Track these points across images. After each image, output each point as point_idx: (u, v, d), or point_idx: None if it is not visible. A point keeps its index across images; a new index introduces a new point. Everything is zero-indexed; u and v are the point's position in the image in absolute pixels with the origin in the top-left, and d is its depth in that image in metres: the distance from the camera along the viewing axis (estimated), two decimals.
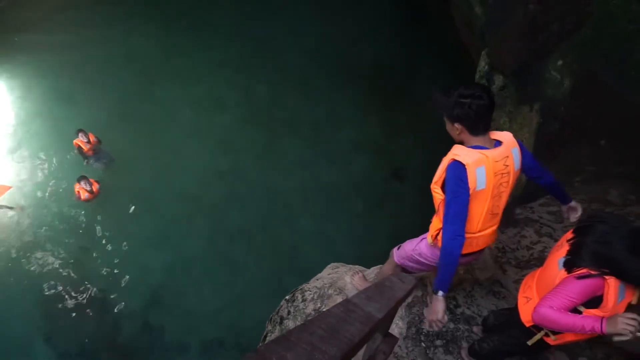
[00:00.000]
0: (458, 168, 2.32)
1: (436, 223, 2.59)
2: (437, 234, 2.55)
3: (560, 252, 2.22)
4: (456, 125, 2.41)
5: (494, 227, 2.59)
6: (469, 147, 2.38)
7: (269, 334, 3.89)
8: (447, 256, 2.29)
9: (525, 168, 2.57)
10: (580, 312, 2.05)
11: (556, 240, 3.17)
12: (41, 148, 9.24)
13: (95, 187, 8.41)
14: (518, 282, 3.62)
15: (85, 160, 8.92)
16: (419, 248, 2.87)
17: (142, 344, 7.45)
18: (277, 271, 7.91)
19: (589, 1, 5.63)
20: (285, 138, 9.55)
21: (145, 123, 9.65)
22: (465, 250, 2.45)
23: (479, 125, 2.35)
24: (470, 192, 2.29)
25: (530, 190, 5.12)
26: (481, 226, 2.49)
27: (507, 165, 2.37)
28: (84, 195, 8.31)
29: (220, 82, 10.32)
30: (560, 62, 5.85)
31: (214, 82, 10.30)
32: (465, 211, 2.29)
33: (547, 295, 2.09)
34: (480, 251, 2.73)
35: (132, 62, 10.43)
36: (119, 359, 7.34)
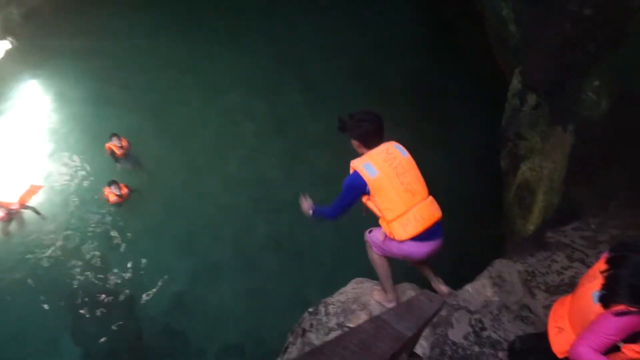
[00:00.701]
0: (352, 176, 3.03)
1: (381, 223, 3.12)
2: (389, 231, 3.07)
3: (593, 284, 2.15)
4: (354, 141, 3.14)
5: (425, 201, 3.07)
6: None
7: (290, 345, 3.88)
8: (328, 218, 3.32)
9: None
10: (619, 348, 1.98)
11: (588, 267, 3.08)
12: (74, 150, 9.61)
13: (125, 191, 8.63)
14: (547, 307, 3.51)
15: (118, 164, 9.21)
16: (377, 241, 3.30)
17: (163, 348, 7.55)
18: (300, 282, 7.91)
19: (626, 21, 5.51)
20: (312, 149, 9.61)
21: (175, 129, 9.93)
22: (416, 230, 2.98)
23: (372, 141, 3.06)
24: (371, 183, 2.92)
25: (563, 214, 4.99)
26: (406, 203, 2.97)
27: (390, 153, 2.98)
28: (113, 198, 8.55)
29: (250, 91, 10.53)
30: (596, 83, 5.72)
31: (244, 91, 10.52)
32: (348, 200, 3.09)
33: (585, 333, 2.03)
34: (440, 238, 3.15)
35: (164, 70, 10.78)
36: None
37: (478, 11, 10.79)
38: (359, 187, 2.98)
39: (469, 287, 3.86)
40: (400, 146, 3.11)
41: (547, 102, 6.60)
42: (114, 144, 9.00)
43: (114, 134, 9.03)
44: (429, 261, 3.48)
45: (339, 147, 9.44)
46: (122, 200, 8.66)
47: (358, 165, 2.97)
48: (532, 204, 6.55)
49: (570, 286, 3.78)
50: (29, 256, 8.29)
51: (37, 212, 8.63)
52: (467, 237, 8.14)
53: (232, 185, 9.12)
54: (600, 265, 2.17)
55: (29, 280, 8.02)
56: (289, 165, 9.40)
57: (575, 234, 4.48)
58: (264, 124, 10.01)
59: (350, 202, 3.09)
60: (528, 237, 5.91)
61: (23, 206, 8.55)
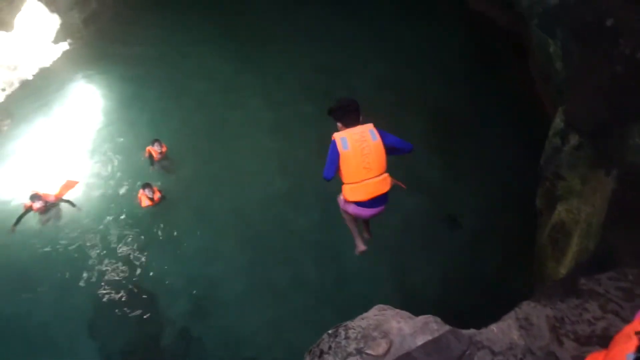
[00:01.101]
0: (331, 143, 3.83)
1: (343, 187, 4.05)
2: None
3: (628, 345, 2.06)
4: (338, 123, 3.95)
5: (377, 178, 3.89)
6: None
7: None
8: (325, 177, 3.91)
9: (388, 146, 3.96)
10: None
11: (622, 319, 2.95)
12: (115, 149, 10.03)
13: (157, 195, 8.89)
14: (576, 358, 3.38)
15: (152, 167, 9.51)
16: (340, 201, 4.34)
17: (180, 352, 7.62)
18: (320, 303, 7.85)
19: None
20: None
21: (210, 138, 10.20)
22: (361, 198, 3.97)
23: (349, 121, 3.89)
24: (341, 153, 3.76)
25: (598, 260, 4.81)
26: (361, 176, 3.83)
27: (363, 135, 3.79)
28: (145, 202, 8.83)
29: (288, 107, 10.72)
30: None
31: (282, 107, 10.71)
32: (332, 164, 3.83)
33: None
34: (382, 206, 4.17)
35: (209, 80, 11.15)
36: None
37: (524, 45, 10.70)
38: (335, 153, 3.79)
39: (493, 327, 3.76)
40: (374, 131, 3.88)
41: (590, 143, 6.41)
42: (154, 149, 9.33)
43: (157, 140, 9.37)
44: (369, 221, 4.90)
45: None
46: (154, 204, 8.91)
47: (337, 137, 3.82)
48: (566, 247, 6.34)
49: (601, 338, 3.63)
50: (59, 247, 8.61)
51: (73, 205, 8.99)
52: (494, 273, 7.95)
53: (259, 197, 9.23)
54: (636, 325, 2.09)
55: (58, 271, 8.31)
56: (319, 182, 9.37)
57: (611, 283, 4.30)
58: (298, 139, 10.11)
59: (330, 162, 3.85)
60: (559, 281, 5.71)
61: (59, 199, 8.93)
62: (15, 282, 8.13)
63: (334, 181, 4.01)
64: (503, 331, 3.71)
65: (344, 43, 11.79)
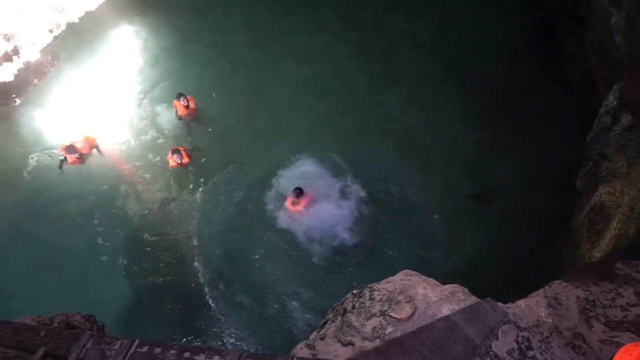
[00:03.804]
0: None
1: None
2: None
3: None
4: None
5: None
6: None
7: (329, 322, 3.96)
8: None
9: None
10: None
11: None
12: (154, 100, 10.17)
13: (185, 160, 8.99)
14: (605, 342, 3.33)
15: (184, 125, 9.62)
16: None
17: (206, 298, 7.92)
18: (348, 264, 7.94)
19: None
20: (378, 133, 9.51)
21: (248, 96, 10.18)
22: None
23: None
24: None
25: (638, 247, 4.64)
26: None
27: None
28: (172, 163, 8.97)
29: (328, 68, 10.52)
30: None
31: (322, 68, 10.52)
32: None
33: None
34: None
35: (250, 35, 11.06)
36: (182, 304, 7.89)
37: (581, 16, 9.99)
38: None
39: (521, 302, 3.71)
40: None
41: None
42: (180, 103, 9.32)
43: (181, 94, 9.32)
44: None
45: (404, 137, 9.34)
46: (180, 166, 9.03)
47: None
48: (604, 231, 6.13)
49: (633, 325, 3.54)
50: (93, 192, 8.99)
51: (100, 152, 9.26)
52: (524, 252, 7.81)
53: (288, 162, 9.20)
54: None
55: (95, 215, 8.75)
56: (350, 148, 9.30)
57: None
58: (334, 104, 9.99)
59: None
60: (593, 264, 5.57)
61: (90, 149, 9.16)
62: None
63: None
64: (531, 308, 3.67)
65: (395, 11, 11.32)
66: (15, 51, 9.68)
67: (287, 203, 8.33)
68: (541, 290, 4.02)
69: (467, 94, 9.92)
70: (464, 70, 10.31)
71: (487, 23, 10.91)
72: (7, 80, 9.79)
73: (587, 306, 3.77)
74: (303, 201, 8.27)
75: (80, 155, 8.96)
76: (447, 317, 1.08)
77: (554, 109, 9.41)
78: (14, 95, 10.04)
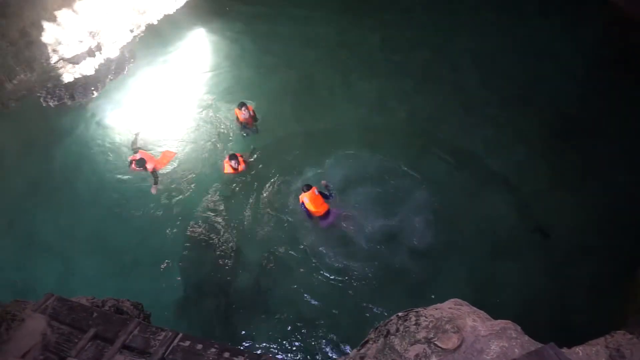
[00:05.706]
0: None
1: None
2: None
3: None
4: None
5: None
6: None
7: (370, 342, 3.88)
8: None
9: None
10: None
11: None
12: (215, 106, 10.50)
13: (242, 167, 9.12)
14: None
15: (241, 131, 9.87)
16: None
17: (245, 302, 8.01)
18: (393, 287, 7.75)
19: None
20: (436, 150, 9.36)
21: (310, 109, 10.34)
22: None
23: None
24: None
25: None
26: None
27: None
28: (228, 169, 9.13)
29: (388, 86, 10.52)
30: None
31: (383, 85, 10.55)
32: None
33: None
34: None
35: (318, 49, 11.30)
36: (222, 305, 8.03)
37: None
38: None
39: (579, 350, 3.49)
40: None
41: None
42: (241, 112, 9.48)
43: (243, 103, 9.48)
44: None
45: (462, 158, 9.06)
46: (236, 172, 9.18)
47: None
48: None
49: None
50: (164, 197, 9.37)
51: (156, 182, 9.16)
52: (583, 295, 7.29)
53: (343, 172, 9.16)
54: None
55: (150, 212, 9.14)
56: (409, 164, 9.12)
57: None
58: (393, 119, 9.93)
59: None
60: None
61: (154, 171, 9.18)
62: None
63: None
64: (589, 357, 3.42)
65: (469, 29, 11.17)
66: (99, 47, 10.37)
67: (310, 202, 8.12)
68: (602, 339, 3.75)
69: (539, 121, 9.55)
70: (531, 92, 9.96)
71: (566, 47, 10.49)
72: (88, 74, 10.50)
73: None
74: (334, 213, 8.36)
75: (143, 168, 9.07)
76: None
77: (632, 142, 8.83)
78: (92, 89, 10.76)
